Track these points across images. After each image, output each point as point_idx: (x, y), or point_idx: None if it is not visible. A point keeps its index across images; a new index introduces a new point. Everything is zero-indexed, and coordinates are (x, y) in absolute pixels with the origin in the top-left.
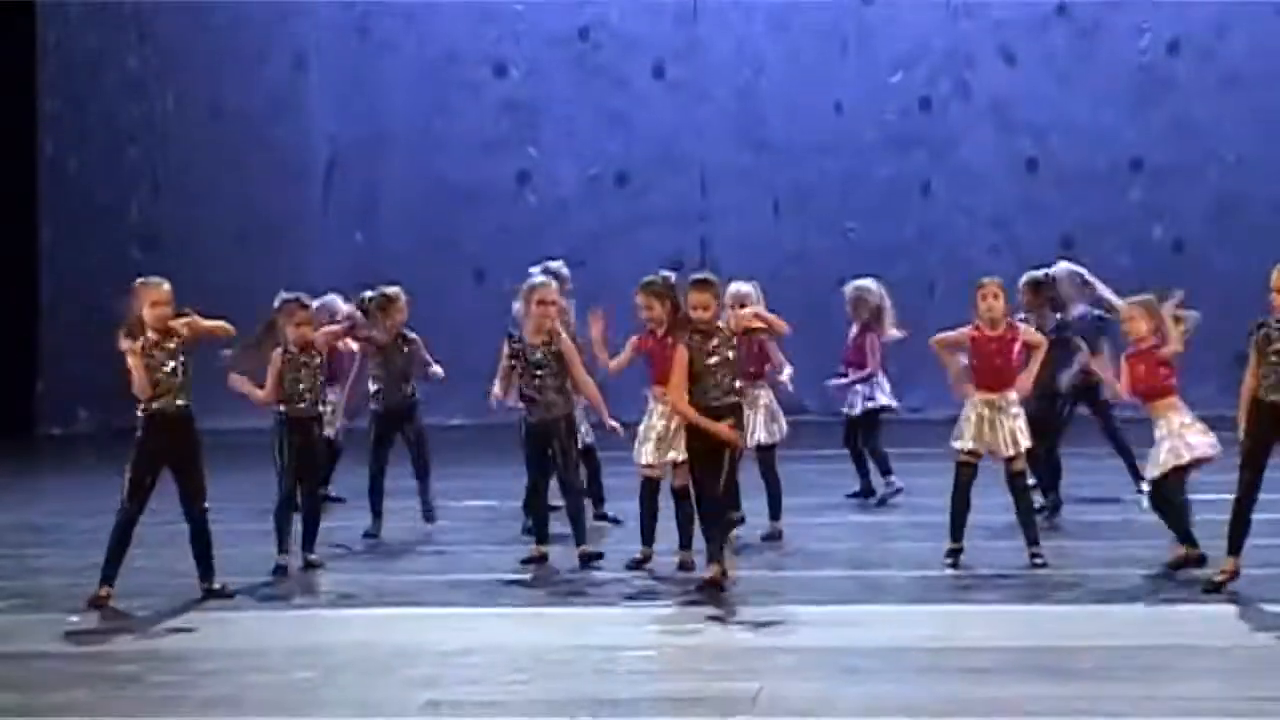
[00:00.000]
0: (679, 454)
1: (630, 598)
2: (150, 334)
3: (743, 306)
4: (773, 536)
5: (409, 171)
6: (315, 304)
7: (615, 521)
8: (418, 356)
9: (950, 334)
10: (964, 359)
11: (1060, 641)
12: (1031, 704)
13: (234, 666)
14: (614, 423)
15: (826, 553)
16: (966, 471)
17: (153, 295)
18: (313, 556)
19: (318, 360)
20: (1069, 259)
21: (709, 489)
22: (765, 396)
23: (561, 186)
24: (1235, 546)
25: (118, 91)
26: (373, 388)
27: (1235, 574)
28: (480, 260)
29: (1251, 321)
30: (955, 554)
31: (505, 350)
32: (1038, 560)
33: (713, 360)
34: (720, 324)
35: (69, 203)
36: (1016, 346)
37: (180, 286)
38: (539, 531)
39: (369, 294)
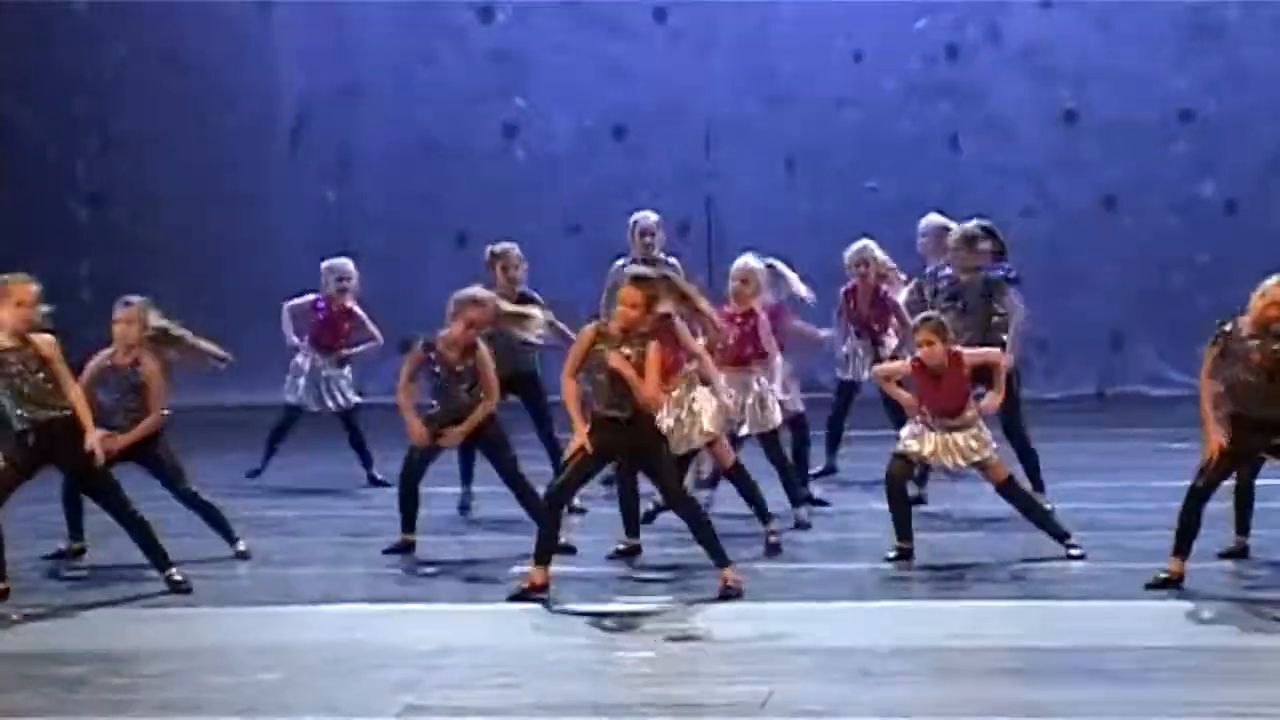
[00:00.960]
0: (699, 438)
1: (626, 594)
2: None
3: (744, 284)
4: (800, 525)
5: (385, 125)
6: (325, 264)
7: (580, 511)
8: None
9: (891, 365)
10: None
11: (1093, 640)
12: (1064, 708)
13: (191, 667)
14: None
15: (842, 544)
16: (900, 467)
17: (18, 294)
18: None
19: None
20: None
21: (666, 498)
22: (757, 384)
23: (553, 141)
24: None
25: (65, 38)
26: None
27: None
28: (463, 222)
29: (1219, 322)
30: (903, 553)
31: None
32: (1073, 552)
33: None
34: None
35: (10, 158)
36: (964, 374)
37: (134, 251)
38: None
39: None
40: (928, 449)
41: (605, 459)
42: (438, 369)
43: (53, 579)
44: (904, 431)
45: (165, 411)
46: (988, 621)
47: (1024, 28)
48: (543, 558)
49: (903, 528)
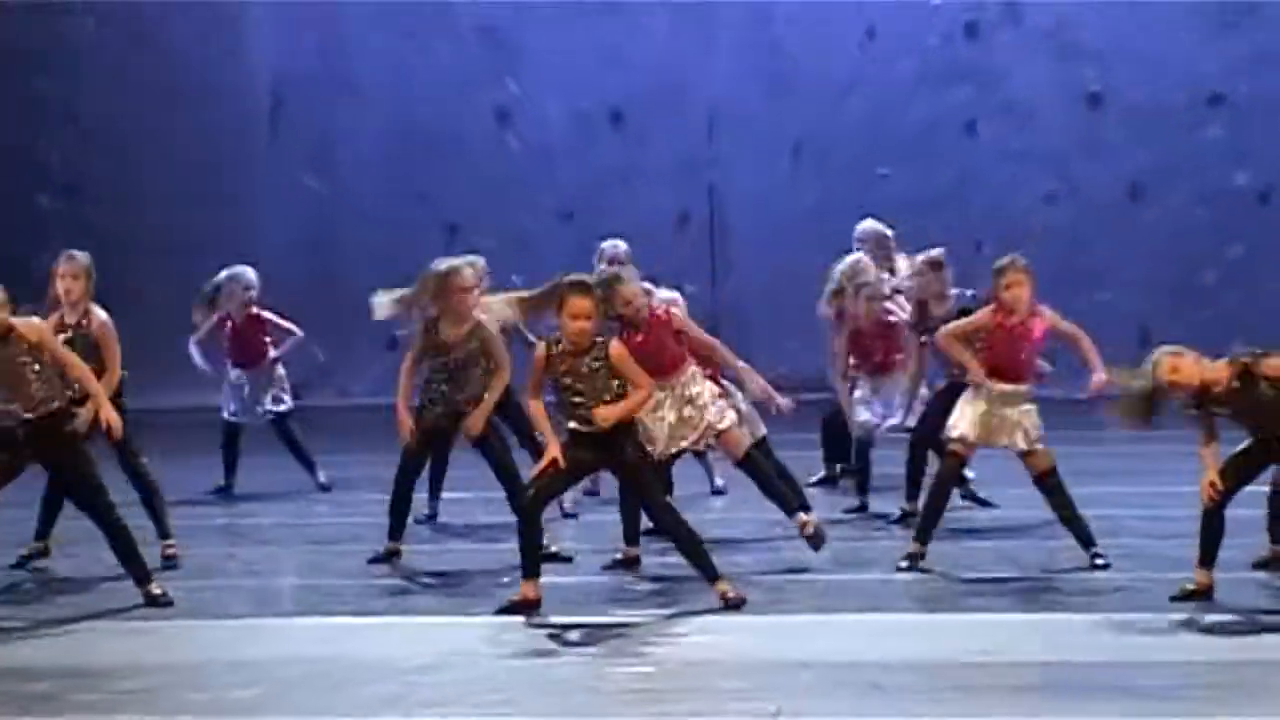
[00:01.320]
0: (697, 435)
1: (623, 606)
2: None
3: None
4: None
5: (369, 111)
6: (223, 275)
7: (573, 516)
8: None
9: (962, 321)
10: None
11: (1120, 656)
12: None
13: (165, 684)
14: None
15: (851, 552)
16: (954, 463)
17: None
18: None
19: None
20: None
21: (648, 511)
22: (733, 397)
23: (547, 128)
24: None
25: (26, 14)
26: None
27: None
28: (453, 213)
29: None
30: (915, 559)
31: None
32: (1099, 561)
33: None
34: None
35: None
36: (1041, 335)
37: (104, 243)
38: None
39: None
40: (978, 431)
41: (578, 475)
42: (442, 355)
43: (20, 589)
44: (952, 417)
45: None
46: (1007, 635)
47: (1046, 6)
48: (531, 570)
49: (926, 531)
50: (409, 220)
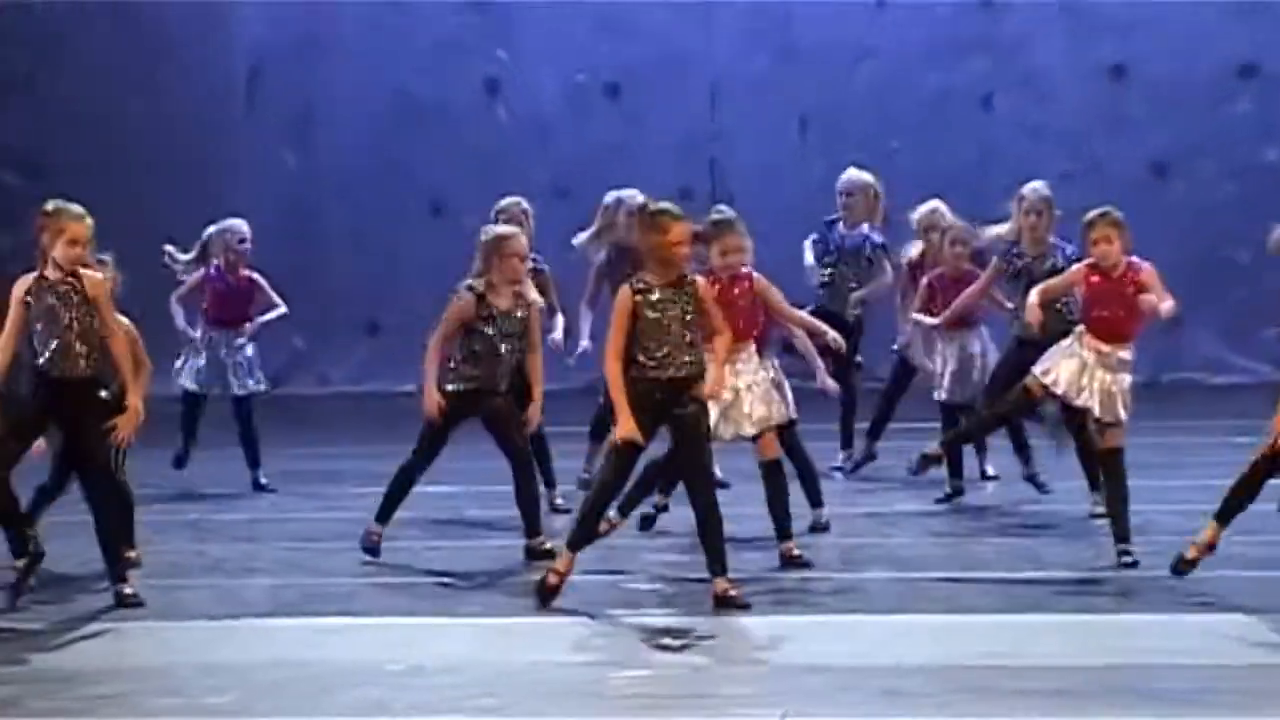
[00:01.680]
0: (753, 423)
1: (620, 604)
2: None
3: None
4: (817, 528)
5: (351, 81)
6: (213, 229)
7: (565, 512)
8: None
9: (1053, 281)
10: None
11: (1145, 658)
12: None
13: (134, 689)
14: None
15: (864, 550)
16: (1024, 399)
17: (73, 229)
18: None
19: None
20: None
21: (696, 476)
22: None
23: (539, 99)
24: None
25: None
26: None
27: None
28: (438, 189)
29: None
30: (930, 460)
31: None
32: (1126, 559)
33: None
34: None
35: None
36: (1137, 293)
37: None
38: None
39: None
40: (1067, 382)
41: (650, 436)
42: (488, 328)
43: None
44: (1046, 360)
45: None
46: (1027, 637)
47: None
48: (578, 544)
49: (956, 468)
50: (392, 197)
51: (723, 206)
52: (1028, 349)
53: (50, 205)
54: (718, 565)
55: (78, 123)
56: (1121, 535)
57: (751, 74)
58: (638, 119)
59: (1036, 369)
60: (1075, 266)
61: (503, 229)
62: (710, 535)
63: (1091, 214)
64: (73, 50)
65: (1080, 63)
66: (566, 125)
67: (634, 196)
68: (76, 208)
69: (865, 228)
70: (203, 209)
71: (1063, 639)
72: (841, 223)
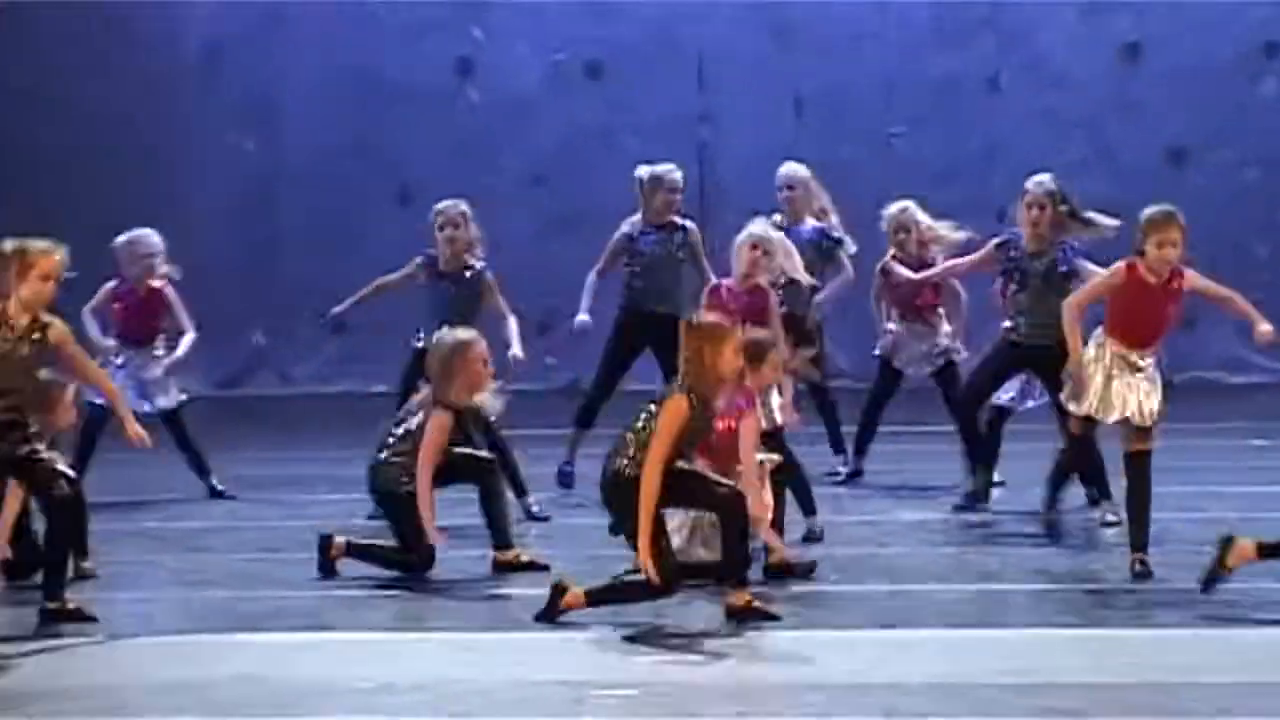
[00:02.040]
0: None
1: (605, 618)
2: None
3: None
4: (811, 537)
5: (314, 61)
6: (120, 240)
7: (544, 519)
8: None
9: (1095, 285)
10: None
11: (1164, 675)
12: None
13: (85, 708)
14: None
15: (863, 561)
16: (1081, 439)
17: (43, 264)
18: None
19: None
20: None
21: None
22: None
23: (516, 80)
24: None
25: None
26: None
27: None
28: (407, 176)
29: None
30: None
31: None
32: (1138, 568)
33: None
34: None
35: None
36: (1179, 299)
37: (20, 219)
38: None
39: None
40: (1100, 406)
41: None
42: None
43: None
44: (1070, 387)
45: None
46: (1039, 653)
47: None
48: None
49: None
50: (357, 184)
51: None
52: (1017, 353)
53: (9, 245)
54: (733, 577)
55: (18, 106)
56: (1138, 544)
57: (744, 53)
58: (621, 101)
59: (1069, 405)
60: (1116, 266)
61: (462, 335)
62: (731, 543)
63: (1154, 211)
64: (18, 31)
65: (1093, 43)
66: (544, 108)
67: (671, 172)
68: (42, 242)
69: (811, 222)
70: (154, 198)
71: (1077, 655)
72: (784, 217)
